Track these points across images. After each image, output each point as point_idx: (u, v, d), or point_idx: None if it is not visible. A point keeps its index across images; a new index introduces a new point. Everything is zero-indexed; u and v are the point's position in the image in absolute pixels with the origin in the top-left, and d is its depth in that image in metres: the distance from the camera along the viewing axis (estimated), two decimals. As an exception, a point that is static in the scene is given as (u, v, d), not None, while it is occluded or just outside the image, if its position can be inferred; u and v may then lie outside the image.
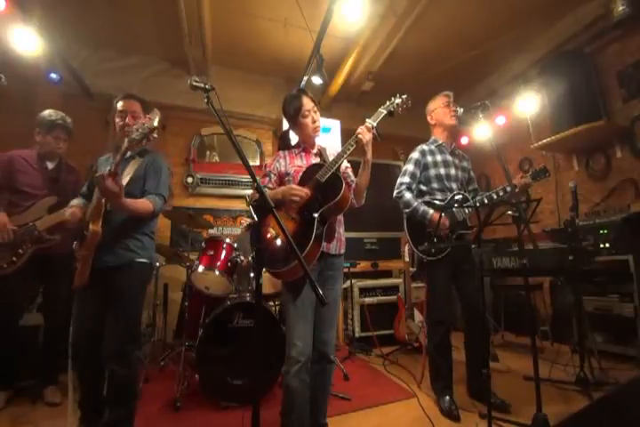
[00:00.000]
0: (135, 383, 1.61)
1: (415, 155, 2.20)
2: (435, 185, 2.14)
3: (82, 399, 1.64)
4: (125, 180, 1.56)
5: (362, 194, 1.61)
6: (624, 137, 3.04)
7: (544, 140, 3.27)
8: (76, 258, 1.54)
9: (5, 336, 2.05)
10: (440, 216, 1.82)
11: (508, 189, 1.97)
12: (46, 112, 2.20)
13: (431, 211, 2.03)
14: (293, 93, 1.65)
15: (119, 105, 1.74)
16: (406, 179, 2.15)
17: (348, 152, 1.47)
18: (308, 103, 1.59)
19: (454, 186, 2.14)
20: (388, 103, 1.62)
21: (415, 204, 2.08)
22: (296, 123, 1.62)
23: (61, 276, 2.17)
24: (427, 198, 2.14)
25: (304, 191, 1.43)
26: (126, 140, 1.40)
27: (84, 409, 1.64)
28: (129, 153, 1.64)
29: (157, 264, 2.85)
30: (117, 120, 1.73)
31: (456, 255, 2.01)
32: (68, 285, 2.20)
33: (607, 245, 2.56)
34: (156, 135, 1.41)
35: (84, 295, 1.59)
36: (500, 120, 3.75)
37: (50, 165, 2.23)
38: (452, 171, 2.16)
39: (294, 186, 1.46)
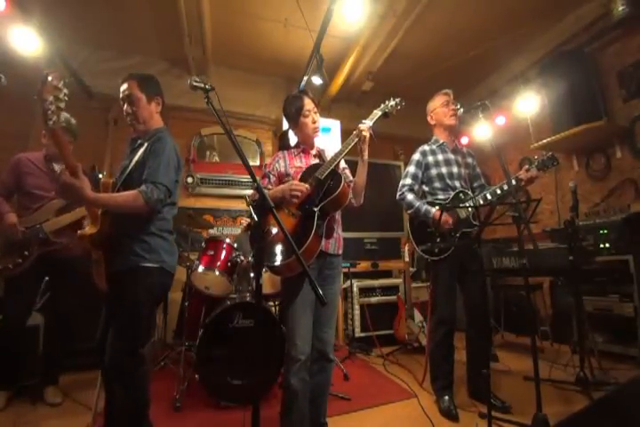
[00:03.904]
0: (143, 409, 1.37)
1: (416, 156, 2.21)
2: (437, 184, 2.14)
3: (105, 405, 1.50)
4: (127, 171, 1.43)
5: (360, 193, 1.63)
6: (624, 137, 3.04)
7: (544, 141, 3.27)
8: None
9: (13, 336, 2.05)
10: (442, 214, 1.82)
11: (513, 182, 1.92)
12: None
13: (433, 209, 2.02)
14: (295, 94, 1.69)
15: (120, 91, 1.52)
16: (408, 180, 2.16)
17: (347, 150, 1.50)
18: (309, 104, 1.62)
19: (457, 184, 2.13)
20: (382, 105, 1.68)
21: (417, 204, 2.08)
22: (296, 122, 1.64)
23: (68, 278, 2.18)
24: (429, 199, 2.14)
25: (304, 186, 1.44)
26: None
27: (106, 416, 1.49)
28: (139, 141, 1.51)
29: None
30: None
31: (462, 254, 1.99)
32: (73, 287, 2.20)
33: (607, 245, 2.56)
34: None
35: (107, 298, 1.47)
36: (500, 120, 3.76)
37: (57, 168, 2.21)
38: (455, 169, 2.15)
39: (295, 182, 1.48)
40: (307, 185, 1.45)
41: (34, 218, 2.06)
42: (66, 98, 1.22)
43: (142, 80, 1.51)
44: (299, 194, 1.43)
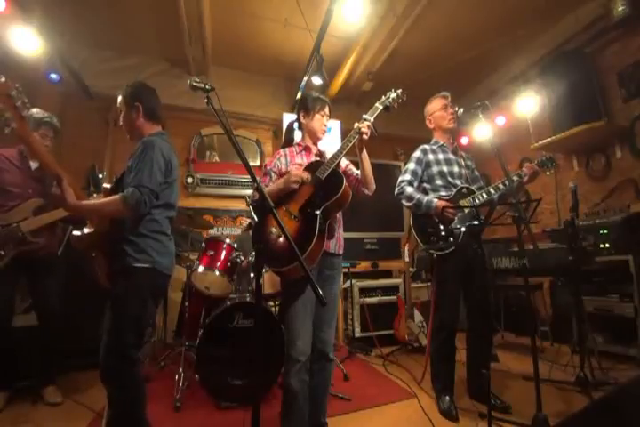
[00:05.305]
0: (137, 410, 1.36)
1: (416, 153, 2.19)
2: (438, 182, 2.12)
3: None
4: (120, 176, 1.48)
5: (370, 182, 1.62)
6: (624, 137, 3.04)
7: (544, 141, 3.27)
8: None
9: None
10: (445, 206, 1.80)
11: (515, 178, 1.94)
12: (34, 110, 2.11)
13: (435, 199, 2.00)
14: (322, 97, 1.73)
15: None
16: (407, 176, 2.14)
17: (347, 149, 1.49)
18: (328, 110, 1.71)
19: (459, 182, 2.11)
20: (383, 98, 1.64)
21: (418, 195, 2.05)
22: (312, 116, 1.67)
23: (49, 277, 2.13)
24: (431, 195, 2.12)
25: (304, 174, 1.45)
26: None
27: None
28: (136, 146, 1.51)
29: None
30: None
31: (467, 252, 1.95)
32: (56, 286, 2.16)
33: (607, 245, 2.56)
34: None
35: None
36: (500, 120, 3.76)
37: (34, 165, 2.14)
38: (456, 168, 2.14)
39: (293, 171, 1.48)
40: (306, 173, 1.46)
41: (10, 216, 1.98)
42: (27, 105, 1.26)
43: (126, 91, 1.55)
44: (299, 180, 1.44)
